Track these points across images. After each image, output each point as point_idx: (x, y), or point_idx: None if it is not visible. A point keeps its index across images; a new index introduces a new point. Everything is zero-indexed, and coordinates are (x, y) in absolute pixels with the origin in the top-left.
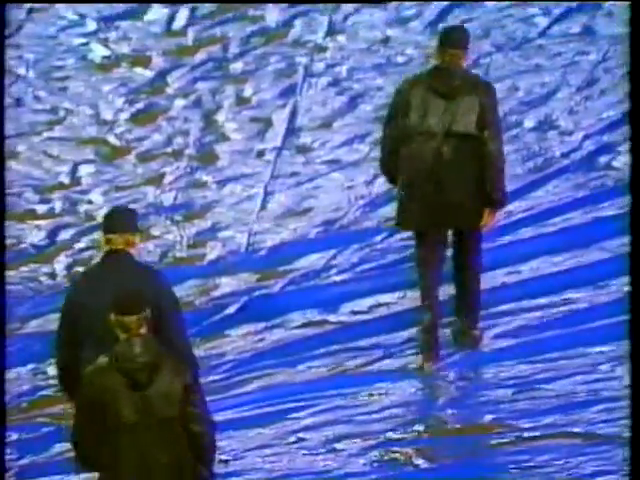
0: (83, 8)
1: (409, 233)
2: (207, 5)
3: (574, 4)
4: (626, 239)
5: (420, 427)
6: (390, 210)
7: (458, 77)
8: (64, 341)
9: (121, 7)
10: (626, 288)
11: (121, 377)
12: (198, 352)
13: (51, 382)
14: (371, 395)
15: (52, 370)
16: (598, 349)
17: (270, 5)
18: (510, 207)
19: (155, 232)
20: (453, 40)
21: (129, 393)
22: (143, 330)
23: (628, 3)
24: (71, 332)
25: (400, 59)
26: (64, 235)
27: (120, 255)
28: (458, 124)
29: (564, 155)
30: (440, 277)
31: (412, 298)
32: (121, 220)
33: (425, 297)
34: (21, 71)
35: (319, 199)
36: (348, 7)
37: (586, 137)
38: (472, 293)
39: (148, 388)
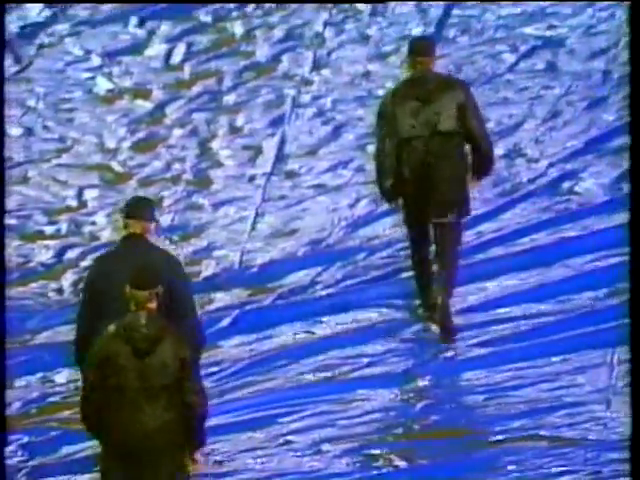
0: (89, 44)
1: (389, 251)
2: (203, 41)
3: (539, 42)
4: (588, 257)
5: (399, 430)
6: (371, 231)
7: (433, 81)
8: (85, 313)
9: (124, 43)
10: (588, 302)
11: (126, 345)
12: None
13: (59, 389)
14: (354, 401)
15: (60, 378)
16: (561, 358)
17: (260, 41)
18: (481, 228)
19: None
20: (421, 49)
21: (132, 360)
22: (152, 305)
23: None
24: (91, 305)
25: (380, 92)
26: (70, 254)
27: (137, 238)
28: (441, 124)
29: (530, 181)
30: (428, 259)
31: (392, 312)
32: (140, 208)
33: (423, 295)
34: (31, 103)
35: (306, 221)
36: (332, 43)
37: (551, 165)
38: (450, 271)
39: (149, 357)
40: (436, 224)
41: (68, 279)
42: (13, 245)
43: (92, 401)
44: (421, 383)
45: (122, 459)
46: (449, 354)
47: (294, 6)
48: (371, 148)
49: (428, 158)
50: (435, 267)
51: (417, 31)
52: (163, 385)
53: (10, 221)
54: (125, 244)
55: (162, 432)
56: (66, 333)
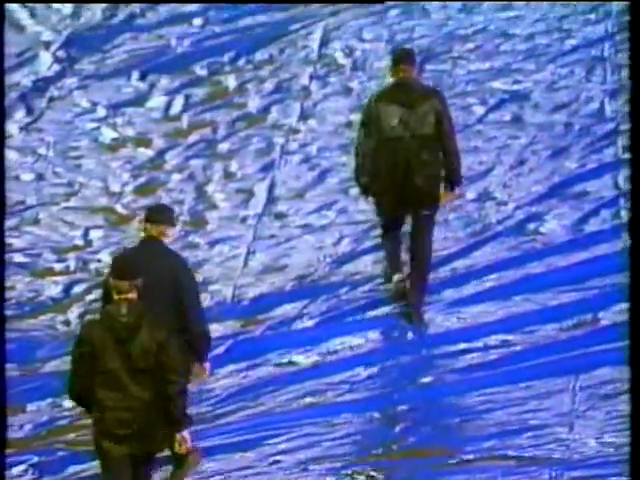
0: (95, 97)
1: (370, 285)
2: (199, 94)
3: (506, 96)
4: (551, 292)
5: (379, 451)
6: (353, 267)
7: (414, 89)
8: (103, 305)
9: (127, 96)
10: (552, 333)
11: (108, 332)
12: (191, 387)
13: (66, 414)
14: (337, 424)
15: (67, 403)
16: (528, 385)
17: (252, 93)
18: (454, 265)
19: None
20: (403, 58)
21: (114, 346)
22: (132, 295)
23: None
24: (108, 297)
25: None
26: (77, 289)
27: (153, 241)
28: (420, 128)
29: (499, 222)
30: (400, 248)
31: (372, 341)
32: (158, 214)
33: (392, 263)
34: (42, 151)
35: (293, 258)
36: (317, 95)
37: (517, 207)
38: (423, 271)
39: (130, 343)
40: (413, 216)
41: (75, 312)
42: (25, 281)
43: (77, 382)
44: (400, 407)
45: (112, 435)
46: (426, 380)
47: (282, 60)
48: (354, 192)
49: (407, 157)
50: (409, 256)
51: None
52: (144, 367)
53: (22, 259)
54: (142, 245)
55: (146, 409)
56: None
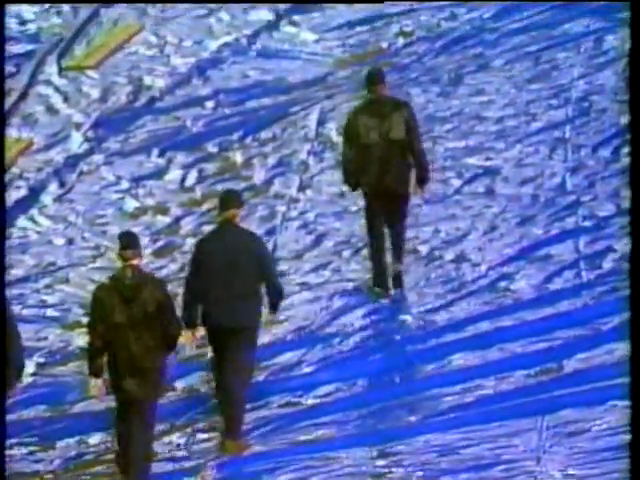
0: (119, 171)
1: (360, 336)
2: (210, 168)
3: (480, 170)
4: (520, 342)
5: None
6: (346, 319)
7: (386, 102)
8: (191, 280)
9: (147, 170)
10: (521, 378)
11: (116, 292)
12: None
13: (92, 449)
14: (333, 458)
15: (93, 440)
16: (500, 424)
17: (257, 168)
18: (436, 318)
19: None
20: (376, 78)
21: (121, 304)
22: (136, 261)
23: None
24: (194, 274)
25: (353, 208)
26: None
27: (228, 223)
28: (392, 134)
29: (474, 281)
30: (383, 236)
31: (362, 386)
32: (228, 200)
33: (374, 249)
34: (72, 219)
35: (293, 311)
36: (315, 169)
37: (490, 268)
38: (400, 242)
39: (134, 302)
40: (389, 209)
41: None
42: (56, 332)
43: (95, 330)
44: (387, 443)
45: (119, 374)
46: (410, 420)
47: (284, 138)
48: (346, 254)
49: (381, 158)
50: (389, 244)
51: None
52: (144, 321)
53: (54, 313)
54: (220, 227)
55: (145, 355)
56: (98, 403)
